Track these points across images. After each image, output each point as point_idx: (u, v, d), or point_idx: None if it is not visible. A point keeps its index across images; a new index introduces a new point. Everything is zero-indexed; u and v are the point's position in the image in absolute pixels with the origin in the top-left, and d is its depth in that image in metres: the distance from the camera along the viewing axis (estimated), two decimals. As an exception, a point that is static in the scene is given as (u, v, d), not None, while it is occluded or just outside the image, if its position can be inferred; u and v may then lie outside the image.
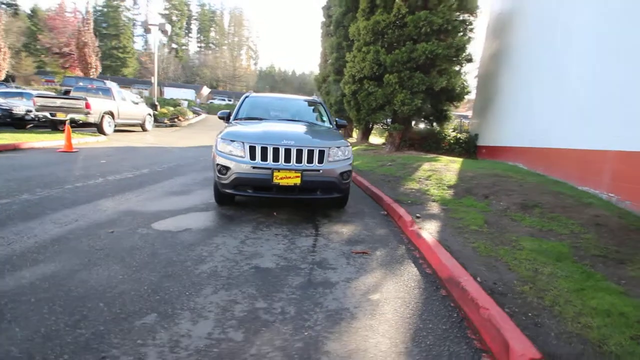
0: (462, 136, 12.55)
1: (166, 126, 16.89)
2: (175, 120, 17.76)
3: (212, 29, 54.22)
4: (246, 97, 5.19)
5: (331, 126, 4.92)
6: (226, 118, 4.89)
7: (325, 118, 5.10)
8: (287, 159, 3.62)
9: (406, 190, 5.57)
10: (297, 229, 3.57)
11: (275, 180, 3.57)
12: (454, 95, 10.37)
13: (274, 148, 3.62)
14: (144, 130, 14.49)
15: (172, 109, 18.97)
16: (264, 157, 3.61)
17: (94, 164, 6.54)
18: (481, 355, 1.71)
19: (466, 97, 11.07)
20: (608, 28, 5.05)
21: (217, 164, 3.72)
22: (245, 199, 4.52)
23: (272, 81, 54.10)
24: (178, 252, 2.78)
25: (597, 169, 4.76)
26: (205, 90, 40.69)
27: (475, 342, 1.82)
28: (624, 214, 3.90)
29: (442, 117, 11.48)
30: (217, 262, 2.63)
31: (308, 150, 3.68)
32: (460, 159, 9.02)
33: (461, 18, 9.98)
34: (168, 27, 19.18)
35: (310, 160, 3.68)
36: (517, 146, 8.31)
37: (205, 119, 21.03)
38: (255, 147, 3.63)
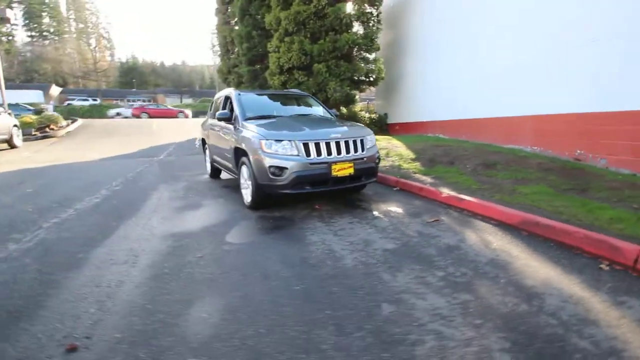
0: (374, 116, 14.15)
1: (36, 138, 13.45)
2: (47, 129, 14.24)
3: (44, 14, 43.49)
4: (238, 95, 4.93)
5: (332, 116, 5.18)
6: (227, 119, 4.61)
7: (322, 109, 5.30)
8: (339, 151, 3.82)
9: (382, 168, 6.30)
10: (358, 215, 3.85)
11: (334, 173, 3.75)
12: (372, 80, 11.61)
13: (326, 142, 3.76)
14: (12, 146, 11.32)
15: (35, 116, 15.10)
16: (318, 153, 3.72)
17: (21, 196, 5.13)
18: (598, 261, 2.50)
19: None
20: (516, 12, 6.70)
21: (270, 166, 3.63)
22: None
23: (140, 74, 47.44)
24: (308, 260, 2.79)
25: (519, 131, 6.40)
26: (55, 90, 32.93)
27: (583, 254, 2.61)
28: (555, 159, 5.50)
29: (350, 101, 12.67)
30: (356, 257, 2.78)
31: (353, 140, 3.95)
32: (390, 136, 10.34)
33: (368, 10, 11.11)
34: (10, 13, 14.85)
35: (355, 150, 3.96)
36: (433, 120, 10.04)
37: (86, 125, 17.51)
38: (308, 143, 3.70)
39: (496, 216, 3.48)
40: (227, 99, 5.35)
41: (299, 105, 5.26)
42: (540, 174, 4.87)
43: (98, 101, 31.33)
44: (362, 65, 10.87)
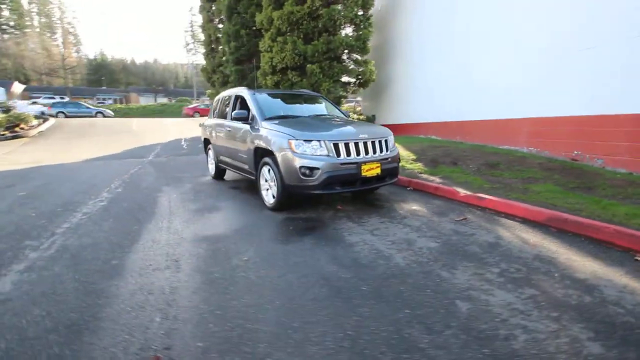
0: (362, 117, 14.32)
1: (5, 138, 12.51)
2: (17, 129, 13.26)
3: (3, 6, 40.42)
4: (253, 95, 4.84)
5: (346, 116, 5.19)
6: (244, 119, 4.52)
7: (336, 109, 5.31)
8: (367, 151, 3.85)
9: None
10: (385, 214, 3.89)
11: (363, 173, 3.76)
12: (363, 82, 11.75)
13: (355, 143, 3.77)
14: (-20, 147, 10.48)
15: (2, 115, 14.04)
16: (348, 153, 3.72)
17: (16, 200, 4.76)
18: (631, 254, 2.67)
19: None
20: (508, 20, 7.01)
21: (301, 167, 3.60)
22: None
23: (110, 72, 45.20)
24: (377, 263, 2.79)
25: (515, 132, 6.70)
26: (18, 87, 30.73)
27: (615, 247, 2.79)
28: (553, 159, 5.81)
29: (338, 102, 12.82)
30: (405, 256, 2.81)
31: (378, 141, 3.99)
32: (383, 137, 10.50)
33: (361, 13, 11.25)
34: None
35: (381, 150, 4.00)
36: (425, 122, 10.31)
37: (59, 125, 16.51)
38: (338, 144, 3.69)
39: (520, 214, 3.63)
40: (238, 98, 5.24)
41: (313, 105, 5.23)
42: (545, 174, 5.12)
43: (66, 99, 29.58)
44: (355, 67, 10.98)
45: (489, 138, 7.40)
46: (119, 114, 28.31)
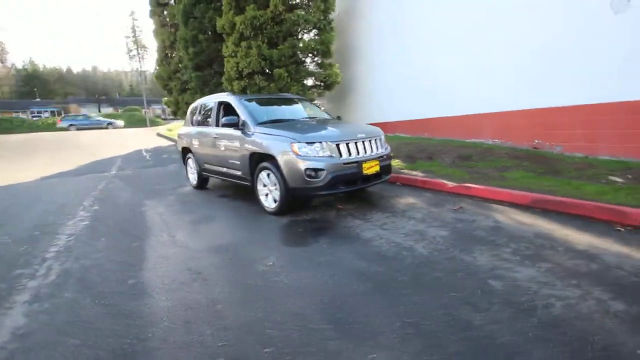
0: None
1: None
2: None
3: None
4: (240, 100, 4.76)
5: (332, 117, 5.29)
6: (236, 125, 4.44)
7: (322, 111, 5.39)
8: (365, 150, 3.98)
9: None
10: (386, 210, 4.04)
11: (364, 172, 3.89)
12: (328, 84, 11.97)
13: (355, 142, 3.89)
14: None
15: None
16: (349, 153, 3.83)
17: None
18: (612, 225, 3.07)
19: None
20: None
21: (307, 169, 3.63)
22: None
23: (43, 82, 41.03)
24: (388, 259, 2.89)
25: (479, 126, 7.27)
26: None
27: (596, 221, 3.18)
28: (516, 149, 6.38)
29: None
30: (424, 245, 2.96)
31: (374, 139, 4.14)
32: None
33: (323, 17, 11.47)
34: None
35: (377, 148, 4.16)
36: (391, 121, 10.76)
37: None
38: (339, 144, 3.79)
39: (507, 199, 3.98)
40: (222, 104, 5.14)
41: (298, 108, 5.27)
42: (514, 162, 5.63)
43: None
44: (320, 70, 11.15)
45: (455, 133, 7.93)
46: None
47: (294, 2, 10.38)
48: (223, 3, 11.05)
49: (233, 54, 10.73)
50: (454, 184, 4.67)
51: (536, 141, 6.10)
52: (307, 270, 2.60)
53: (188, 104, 15.43)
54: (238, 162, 4.54)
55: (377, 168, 4.04)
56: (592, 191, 3.91)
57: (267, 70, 10.73)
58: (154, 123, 29.74)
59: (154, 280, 2.59)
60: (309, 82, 11.51)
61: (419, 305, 2.03)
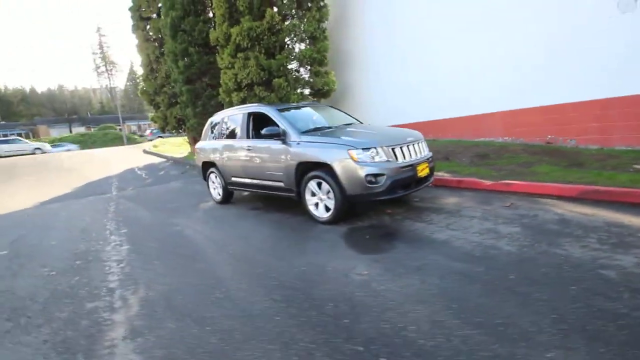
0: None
1: None
2: None
3: None
4: (277, 110, 4.68)
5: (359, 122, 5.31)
6: (278, 135, 4.36)
7: (350, 117, 5.39)
8: (416, 153, 4.01)
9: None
10: (440, 211, 4.07)
11: (419, 174, 3.91)
12: (325, 92, 12.04)
13: (407, 146, 3.91)
14: None
15: None
16: (404, 156, 3.84)
17: (3, 263, 3.88)
18: (667, 209, 3.24)
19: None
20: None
21: (367, 175, 3.61)
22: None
23: (6, 104, 38.47)
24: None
25: (488, 125, 7.52)
26: None
27: (651, 208, 3.35)
28: (530, 145, 6.64)
29: None
30: (506, 242, 2.99)
31: (421, 142, 4.19)
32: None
33: (317, 26, 11.57)
34: None
35: (423, 151, 4.20)
36: (390, 125, 10.95)
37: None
38: (395, 148, 3.79)
39: (554, 192, 4.12)
40: (252, 116, 5.04)
41: (331, 114, 5.24)
42: (535, 158, 5.86)
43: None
44: (318, 78, 11.20)
45: (463, 134, 8.17)
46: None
47: (289, 13, 10.41)
48: (216, 15, 10.92)
49: (230, 66, 10.59)
50: (491, 182, 4.79)
51: (549, 136, 6.38)
52: (407, 276, 2.56)
53: (177, 119, 15.06)
54: (280, 173, 4.44)
55: (427, 170, 4.08)
56: (626, 179, 4.12)
57: (266, 81, 10.67)
58: (131, 140, 28.67)
59: (250, 299, 2.46)
60: (306, 90, 11.55)
61: (551, 301, 2.04)
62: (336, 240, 3.51)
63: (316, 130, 4.37)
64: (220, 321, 2.21)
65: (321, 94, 11.85)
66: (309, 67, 11.34)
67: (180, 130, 15.65)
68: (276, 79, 10.25)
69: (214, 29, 11.68)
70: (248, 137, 5.05)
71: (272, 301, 2.40)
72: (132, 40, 15.75)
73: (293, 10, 10.44)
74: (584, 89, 5.67)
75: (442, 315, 2.03)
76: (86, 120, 39.84)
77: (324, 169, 3.92)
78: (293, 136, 4.26)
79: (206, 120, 13.53)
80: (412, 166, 3.86)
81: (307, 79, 10.97)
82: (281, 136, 4.37)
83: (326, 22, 11.27)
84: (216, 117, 5.98)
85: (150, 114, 16.26)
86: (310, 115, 4.96)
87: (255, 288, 2.63)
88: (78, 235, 4.72)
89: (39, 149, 22.14)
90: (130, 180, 10.06)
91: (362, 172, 3.62)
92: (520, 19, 6.39)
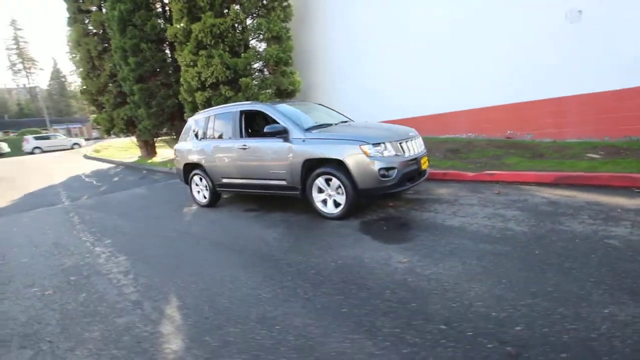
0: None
1: None
2: None
3: None
4: (275, 108, 4.60)
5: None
6: (279, 133, 4.30)
7: (340, 114, 5.47)
8: (417, 147, 4.24)
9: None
10: (440, 201, 4.34)
11: (422, 167, 4.14)
12: (290, 91, 12.00)
13: (410, 140, 4.11)
14: None
15: None
16: (408, 150, 4.04)
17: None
18: (630, 189, 3.85)
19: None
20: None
21: (380, 169, 3.73)
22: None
23: None
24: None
25: (454, 123, 8.16)
26: None
27: (614, 187, 3.95)
28: (493, 140, 7.34)
29: None
30: (516, 224, 3.30)
31: (419, 138, 4.43)
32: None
33: (283, 25, 11.48)
34: None
35: (422, 146, 4.45)
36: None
37: None
38: (401, 143, 3.97)
39: (533, 179, 4.64)
40: (244, 114, 4.89)
41: (324, 112, 5.28)
42: (502, 151, 6.50)
43: None
44: (284, 78, 11.14)
45: (431, 130, 8.73)
46: None
47: (253, 11, 10.20)
48: (173, 10, 10.31)
49: (192, 64, 10.07)
50: (474, 173, 5.23)
51: (509, 132, 7.13)
52: (446, 260, 2.71)
53: (125, 120, 13.85)
54: (283, 172, 4.38)
55: (427, 163, 4.33)
56: (586, 166, 4.79)
57: (232, 80, 10.34)
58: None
59: (303, 296, 2.42)
60: (269, 90, 11.40)
61: (582, 268, 2.34)
62: (356, 234, 3.57)
63: (317, 128, 4.39)
64: (287, 319, 2.15)
65: (286, 94, 11.80)
66: (274, 67, 11.24)
67: (130, 134, 14.45)
68: (243, 79, 9.98)
69: (171, 24, 11.02)
70: (241, 136, 4.89)
71: (327, 295, 2.40)
72: (57, 34, 14.13)
73: (257, 9, 10.25)
74: (539, 89, 6.44)
75: (498, 290, 2.21)
76: (4, 124, 34.38)
77: (333, 165, 3.97)
78: (297, 134, 4.23)
79: (162, 122, 12.76)
80: (416, 160, 4.08)
81: (272, 79, 10.85)
82: (283, 134, 4.32)
83: (290, 22, 11.27)
84: (199, 116, 5.67)
85: (93, 116, 14.74)
86: (305, 112, 4.95)
87: (302, 284, 2.59)
88: (52, 250, 4.17)
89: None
90: (80, 188, 9.05)
91: (376, 166, 3.73)
92: (483, 28, 7.03)
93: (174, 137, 14.34)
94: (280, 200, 5.33)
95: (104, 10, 13.11)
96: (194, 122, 5.69)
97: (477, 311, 2.02)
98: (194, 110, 10.87)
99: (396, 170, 3.80)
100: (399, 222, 3.78)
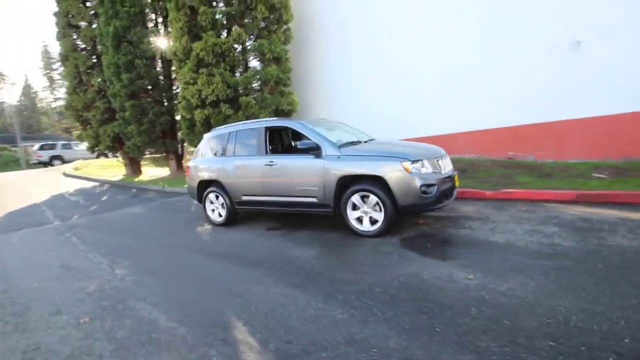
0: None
1: None
2: None
3: None
4: (308, 125, 4.55)
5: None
6: (312, 149, 4.25)
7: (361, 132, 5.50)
8: (448, 165, 4.30)
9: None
10: (471, 218, 4.37)
11: (456, 184, 4.18)
12: (288, 111, 12.03)
13: (443, 158, 4.18)
14: None
15: None
16: (443, 168, 4.08)
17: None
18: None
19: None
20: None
21: (422, 185, 3.73)
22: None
23: None
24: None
25: (454, 144, 8.42)
26: None
27: (632, 204, 4.14)
28: (496, 160, 7.60)
29: None
30: (563, 240, 3.35)
31: (448, 157, 4.50)
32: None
33: (283, 47, 11.63)
34: None
35: (451, 164, 4.53)
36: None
37: None
38: (437, 160, 4.02)
39: (552, 197, 4.80)
40: (267, 130, 4.83)
41: (349, 130, 5.28)
42: (508, 170, 6.74)
43: None
44: (282, 98, 11.19)
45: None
46: None
47: (254, 32, 10.31)
48: (173, 28, 10.24)
49: (192, 81, 9.93)
50: (492, 191, 5.35)
51: (510, 153, 7.43)
52: (512, 277, 2.68)
53: (112, 137, 13.29)
54: (315, 188, 4.29)
55: (458, 181, 4.39)
56: (597, 185, 5.03)
57: (232, 98, 10.27)
58: (31, 165, 24.17)
59: (381, 316, 2.30)
60: (269, 109, 11.39)
61: (655, 281, 2.38)
62: (400, 251, 3.51)
63: (349, 145, 4.38)
64: (380, 342, 2.02)
65: (283, 113, 11.84)
66: (273, 87, 11.26)
67: (116, 151, 13.87)
68: (243, 97, 9.95)
69: (169, 41, 10.89)
70: (266, 152, 4.79)
71: (408, 314, 2.29)
72: (28, 48, 13.68)
73: (259, 31, 10.36)
74: (539, 112, 6.82)
75: (584, 304, 2.20)
76: (-37, 140, 32.00)
77: (370, 182, 3.94)
78: (330, 150, 4.20)
79: (153, 139, 12.34)
80: (451, 177, 4.13)
81: (271, 98, 10.86)
82: (315, 150, 4.27)
83: (289, 44, 11.47)
84: (216, 133, 5.52)
85: (76, 132, 14.06)
86: (332, 130, 4.94)
87: (373, 304, 2.47)
88: (63, 273, 3.80)
89: None
90: (67, 207, 8.46)
91: (417, 182, 3.73)
92: (488, 54, 7.43)
93: (164, 155, 13.90)
94: (303, 218, 5.20)
95: (94, 25, 12.85)
96: (211, 138, 5.52)
97: (577, 326, 1.99)
98: (191, 127, 10.66)
99: (436, 187, 3.82)
100: (438, 238, 3.76)
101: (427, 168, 3.88)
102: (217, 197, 5.32)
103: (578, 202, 4.58)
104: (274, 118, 5.08)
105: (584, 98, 6.27)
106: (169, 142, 12.70)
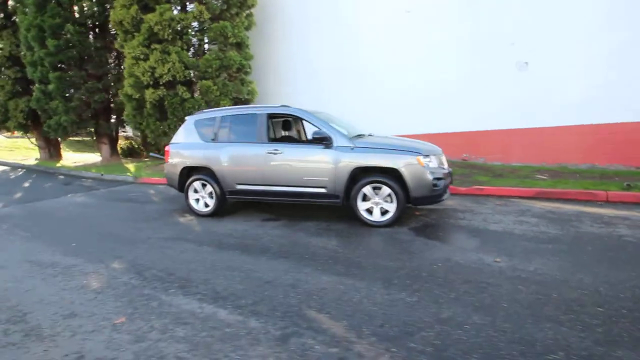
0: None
1: None
2: None
3: None
4: (315, 115, 4.48)
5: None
6: (325, 139, 4.24)
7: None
8: (446, 162, 4.68)
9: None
10: (460, 210, 4.83)
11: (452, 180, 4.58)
12: (244, 101, 11.52)
13: (442, 156, 4.53)
14: None
15: None
16: (445, 164, 4.44)
17: None
18: (592, 202, 5.00)
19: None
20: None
21: (434, 179, 4.01)
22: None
23: None
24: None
25: (456, 145, 9.08)
26: None
27: (580, 200, 5.07)
28: (452, 161, 8.42)
29: None
30: (552, 228, 3.92)
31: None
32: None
33: (245, 34, 11.04)
34: None
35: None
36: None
37: None
38: (440, 157, 4.35)
39: (516, 194, 5.57)
40: (271, 117, 4.67)
41: (345, 122, 5.31)
42: (465, 170, 7.55)
43: None
44: (243, 86, 10.70)
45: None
46: None
47: (217, 13, 9.62)
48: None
49: (143, 57, 8.88)
50: (465, 188, 5.98)
51: (465, 155, 8.34)
52: (532, 258, 3.08)
53: (26, 112, 11.11)
54: (325, 179, 4.27)
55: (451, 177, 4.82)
56: (544, 184, 6.01)
57: (189, 81, 9.47)
58: None
59: (443, 304, 2.46)
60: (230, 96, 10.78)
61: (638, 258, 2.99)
62: (420, 239, 3.72)
63: (359, 137, 4.47)
64: (466, 320, 2.17)
65: (241, 102, 11.33)
66: (234, 74, 10.68)
67: (29, 130, 11.66)
68: (204, 81, 9.29)
69: (112, 8, 9.52)
70: (268, 140, 4.59)
71: (470, 295, 2.48)
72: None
73: (221, 12, 9.70)
74: (490, 121, 7.80)
75: (602, 278, 2.66)
76: None
77: (383, 174, 4.09)
78: (343, 141, 4.23)
79: (85, 118, 10.69)
80: (450, 173, 4.51)
81: (232, 86, 10.29)
82: (326, 141, 4.25)
83: (251, 30, 10.99)
84: (204, 116, 5.08)
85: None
86: (333, 121, 4.94)
87: (430, 287, 2.61)
88: (39, 270, 3.14)
89: None
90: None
91: (430, 176, 4.00)
92: (448, 64, 8.20)
93: (94, 138, 12.13)
94: (296, 208, 5.12)
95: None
96: (200, 121, 5.05)
97: (608, 294, 2.40)
98: (139, 108, 9.55)
99: (443, 180, 4.15)
100: (445, 228, 4.10)
101: (433, 163, 4.18)
102: (203, 185, 4.91)
103: (538, 198, 5.41)
104: (277, 105, 4.85)
105: (527, 111, 7.39)
106: (103, 123, 11.17)
